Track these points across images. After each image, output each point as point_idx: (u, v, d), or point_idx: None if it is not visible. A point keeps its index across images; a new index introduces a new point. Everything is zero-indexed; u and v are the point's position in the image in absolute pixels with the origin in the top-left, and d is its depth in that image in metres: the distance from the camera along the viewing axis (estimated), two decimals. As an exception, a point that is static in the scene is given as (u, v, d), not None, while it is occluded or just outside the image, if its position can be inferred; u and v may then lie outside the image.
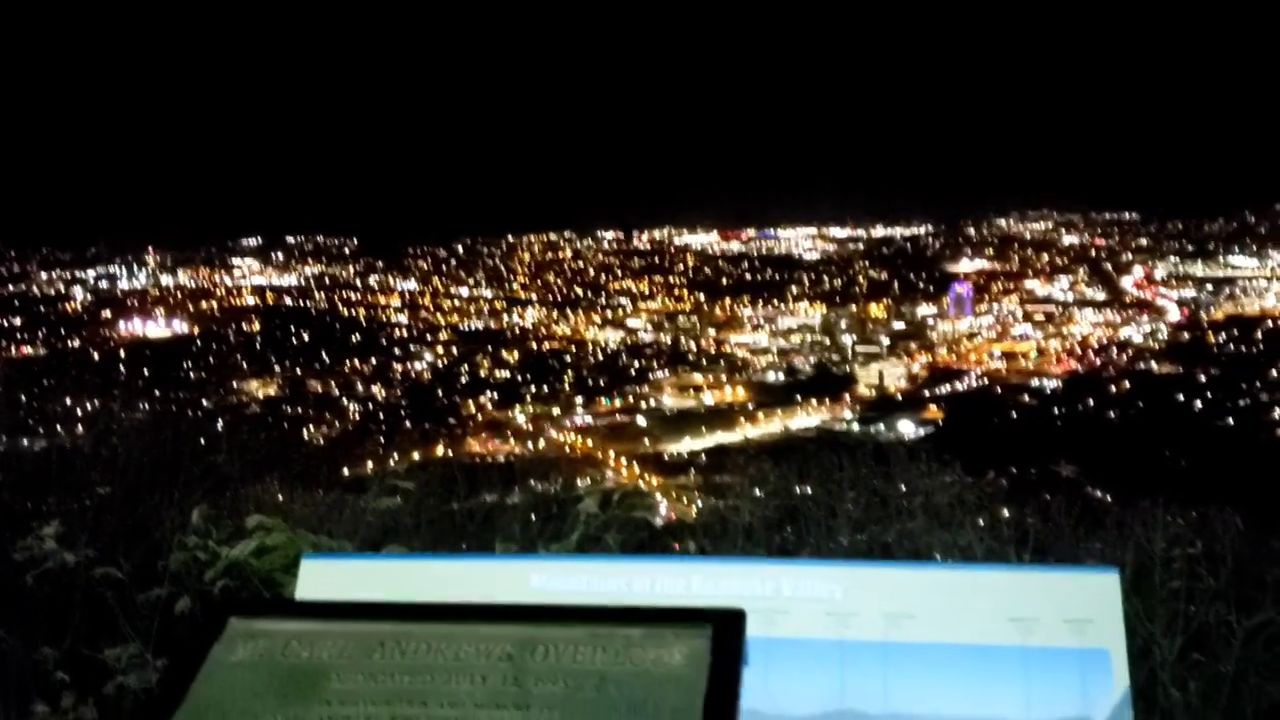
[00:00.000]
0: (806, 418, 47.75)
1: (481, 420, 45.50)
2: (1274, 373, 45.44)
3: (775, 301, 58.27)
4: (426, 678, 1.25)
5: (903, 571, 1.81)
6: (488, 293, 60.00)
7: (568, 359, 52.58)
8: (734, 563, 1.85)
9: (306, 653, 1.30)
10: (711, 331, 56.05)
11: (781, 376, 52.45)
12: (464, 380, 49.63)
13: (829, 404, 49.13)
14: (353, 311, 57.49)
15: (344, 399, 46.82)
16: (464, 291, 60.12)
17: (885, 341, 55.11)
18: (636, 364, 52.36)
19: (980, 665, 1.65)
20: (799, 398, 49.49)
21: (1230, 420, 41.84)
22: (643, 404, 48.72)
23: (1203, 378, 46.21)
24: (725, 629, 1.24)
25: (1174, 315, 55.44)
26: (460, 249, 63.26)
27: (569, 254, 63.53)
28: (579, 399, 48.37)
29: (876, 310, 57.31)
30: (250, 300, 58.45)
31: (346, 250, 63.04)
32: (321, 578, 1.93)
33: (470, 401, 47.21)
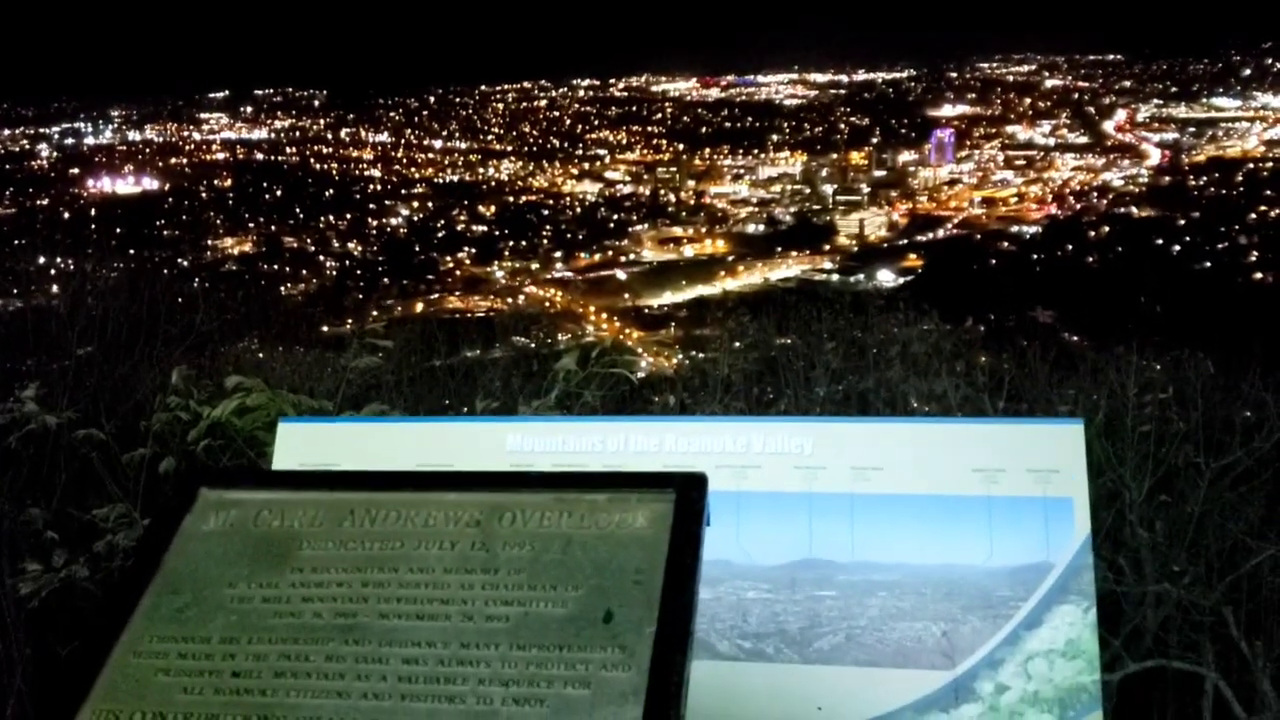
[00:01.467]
0: (787, 269, 47.76)
1: (460, 276, 45.30)
2: (1253, 216, 45.49)
3: (755, 150, 57.50)
4: (396, 544, 1.26)
5: (871, 425, 1.84)
6: (462, 145, 58.89)
7: (545, 212, 52.03)
8: (706, 420, 1.88)
9: (277, 521, 1.31)
10: (691, 182, 55.41)
11: (762, 227, 52.19)
12: (440, 235, 49.15)
13: (809, 254, 49.07)
14: (325, 166, 56.41)
15: (320, 255, 46.39)
16: (437, 144, 59.05)
17: (866, 190, 54.69)
18: (615, 217, 51.90)
19: (945, 515, 1.70)
20: (779, 249, 49.36)
21: (1208, 263, 42.06)
22: (622, 258, 48.53)
23: (1182, 221, 46.22)
24: (688, 492, 1.26)
25: (1155, 158, 55.08)
26: (432, 100, 61.83)
27: (544, 104, 62.16)
28: (557, 253, 48.12)
29: (857, 158, 56.66)
30: (220, 155, 57.19)
31: (316, 103, 61.45)
32: (299, 441, 1.93)
33: (448, 257, 46.89)
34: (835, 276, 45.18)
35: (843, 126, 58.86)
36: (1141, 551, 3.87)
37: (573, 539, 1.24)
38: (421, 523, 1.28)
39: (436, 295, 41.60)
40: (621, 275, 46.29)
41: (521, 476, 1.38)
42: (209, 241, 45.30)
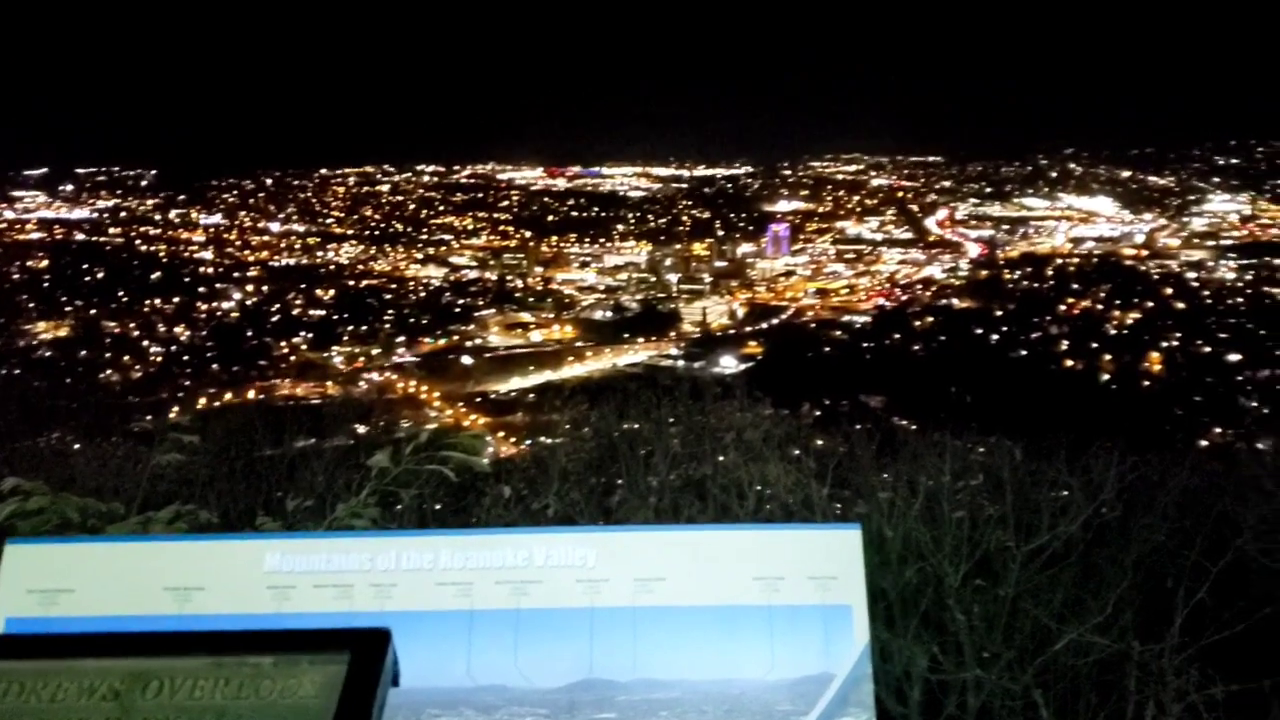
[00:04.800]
0: (633, 354, 48.26)
1: (295, 362, 43.81)
2: (1062, 307, 48.76)
3: (601, 239, 58.36)
4: None
5: (655, 534, 1.79)
6: (300, 227, 57.56)
7: (387, 297, 51.15)
8: (485, 533, 1.79)
9: None
10: (538, 269, 55.67)
11: (609, 314, 52.74)
12: (275, 320, 47.55)
13: (655, 341, 49.79)
14: (152, 247, 54.02)
15: (144, 341, 44.10)
16: (274, 227, 57.54)
17: (708, 279, 56.16)
18: (461, 302, 51.50)
19: (727, 626, 1.66)
20: (626, 335, 49.92)
21: (1023, 352, 44.68)
22: (468, 343, 48.04)
23: (998, 312, 49.12)
24: (365, 653, 1.13)
25: (973, 253, 58.65)
26: (269, 182, 60.37)
27: (387, 188, 61.61)
28: (400, 338, 47.23)
29: (699, 248, 58.22)
30: (36, 235, 54.08)
31: (144, 182, 59.11)
32: (27, 566, 1.73)
33: (282, 342, 45.33)
34: (680, 362, 45.90)
35: (685, 218, 60.54)
36: (960, 636, 3.94)
37: (227, 711, 1.08)
38: (49, 698, 1.09)
39: (268, 382, 40.05)
40: (467, 360, 45.77)
41: (176, 638, 1.20)
42: (20, 326, 42.50)
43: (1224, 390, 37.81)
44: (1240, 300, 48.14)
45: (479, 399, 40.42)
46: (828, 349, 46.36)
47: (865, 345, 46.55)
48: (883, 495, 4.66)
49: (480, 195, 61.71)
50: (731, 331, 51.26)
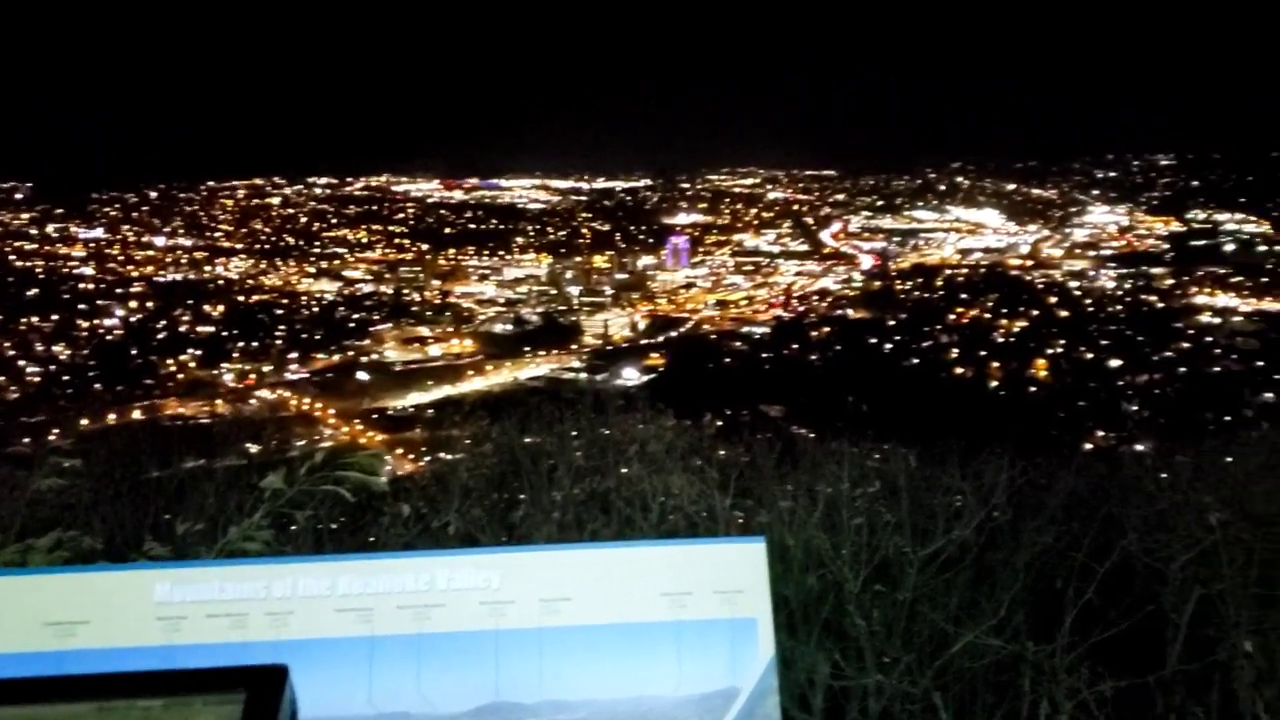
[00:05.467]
0: (535, 368, 48.02)
1: (182, 380, 42.37)
2: (951, 317, 50.26)
3: (501, 252, 58.00)
4: None
5: (560, 554, 1.77)
6: (187, 242, 55.80)
7: (279, 312, 49.89)
8: (384, 558, 1.74)
9: None
10: (436, 282, 55.01)
11: (509, 327, 52.40)
12: (161, 337, 45.92)
13: (557, 354, 49.64)
14: (29, 263, 51.70)
15: (20, 360, 42.11)
16: (159, 241, 55.64)
17: (609, 292, 56.30)
18: (356, 316, 50.54)
19: (634, 643, 1.65)
20: (527, 348, 49.65)
21: (915, 360, 45.90)
22: (364, 358, 47.15)
23: (891, 322, 50.37)
24: (261, 691, 1.09)
25: (867, 265, 60.08)
26: (154, 195, 58.38)
27: (277, 201, 60.17)
28: (293, 354, 46.08)
29: (600, 261, 58.34)
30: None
31: (19, 196, 56.59)
32: None
33: (169, 360, 43.79)
34: (583, 375, 45.86)
35: (585, 231, 60.64)
36: (861, 641, 4.01)
37: None
38: None
39: (154, 402, 38.67)
40: (363, 376, 44.92)
41: (58, 684, 1.12)
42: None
43: (1106, 395, 39.44)
44: (1119, 308, 50.31)
45: (376, 416, 39.70)
46: (728, 360, 46.89)
47: (764, 356, 47.22)
48: (784, 504, 4.72)
49: (375, 208, 60.78)
50: (633, 343, 51.45)
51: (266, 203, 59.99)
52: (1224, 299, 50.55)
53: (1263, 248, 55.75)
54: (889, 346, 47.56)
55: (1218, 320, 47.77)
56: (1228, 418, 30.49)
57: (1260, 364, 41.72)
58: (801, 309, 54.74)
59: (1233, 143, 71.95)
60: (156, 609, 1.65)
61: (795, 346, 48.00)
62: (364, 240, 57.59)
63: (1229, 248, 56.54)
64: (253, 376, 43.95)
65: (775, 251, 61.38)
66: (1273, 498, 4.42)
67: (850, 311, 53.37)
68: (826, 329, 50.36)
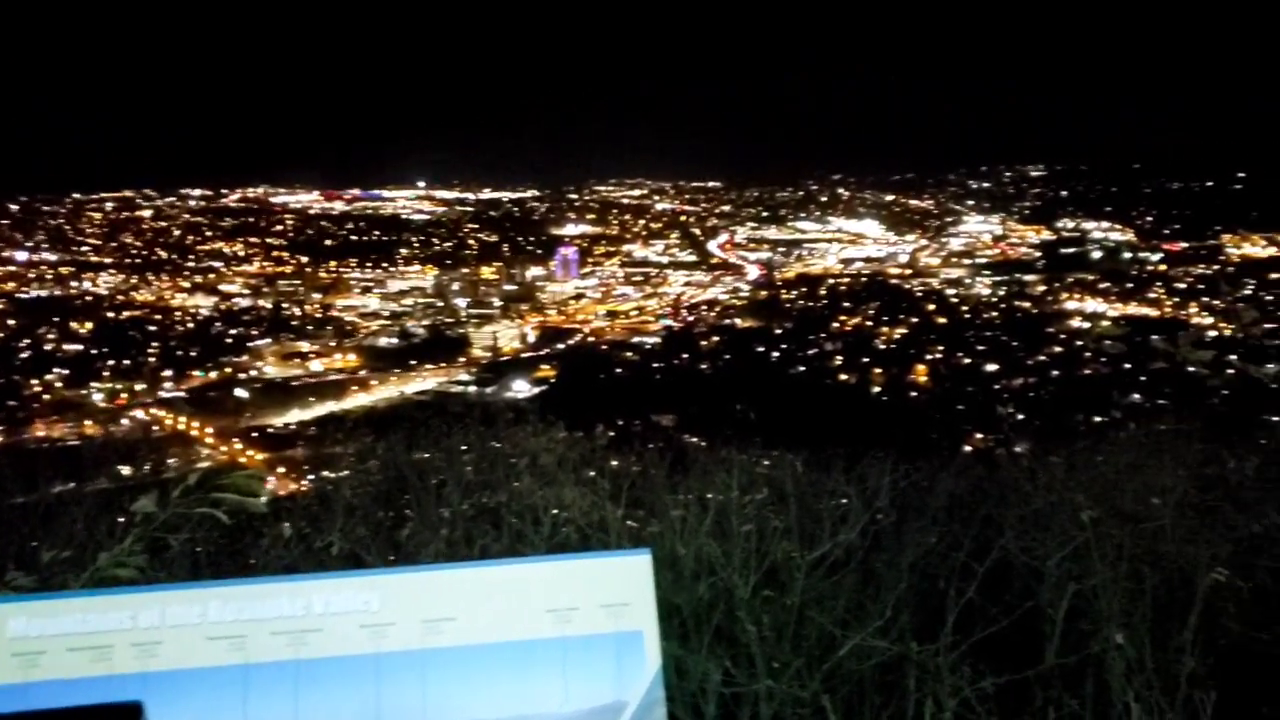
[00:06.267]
0: (422, 382, 47.35)
1: (49, 400, 40.43)
2: (835, 325, 51.45)
3: (384, 264, 57.06)
4: None
5: (442, 573, 1.74)
6: (52, 257, 53.34)
7: (152, 329, 48.04)
8: (259, 583, 1.67)
9: None
10: (316, 295, 53.80)
11: (394, 341, 51.57)
12: (25, 356, 43.72)
13: (444, 367, 49.03)
14: None
15: None
16: (20, 256, 53.05)
17: (498, 303, 55.88)
18: (233, 332, 49.03)
19: (519, 661, 1.63)
20: (413, 362, 48.91)
21: (801, 368, 46.82)
22: (242, 375, 45.76)
23: (778, 331, 51.30)
24: None
25: (753, 275, 61.11)
26: (14, 209, 55.71)
27: (149, 214, 58.02)
28: (167, 372, 44.40)
29: (488, 272, 57.89)
30: None
31: None
32: None
33: (34, 380, 41.71)
34: (471, 388, 45.42)
35: (472, 242, 60.12)
36: (752, 648, 4.03)
37: None
38: None
39: (19, 423, 36.83)
40: (241, 394, 43.59)
41: None
42: None
43: (983, 399, 40.86)
44: (995, 314, 52.25)
45: (256, 434, 38.55)
46: (619, 370, 47.02)
47: (655, 366, 47.52)
48: (675, 513, 4.72)
49: (252, 219, 59.13)
50: (524, 355, 51.18)
51: (137, 215, 57.83)
52: (1093, 304, 53.00)
53: (1128, 255, 58.67)
54: (776, 355, 48.39)
55: (1087, 325, 50.03)
56: (1098, 419, 31.90)
57: (1127, 367, 43.84)
58: (691, 319, 55.30)
59: (1099, 154, 75.65)
60: (11, 644, 1.55)
61: (685, 356, 48.45)
62: (241, 253, 55.97)
63: (1097, 255, 59.35)
64: (124, 396, 42.21)
65: (664, 262, 61.92)
66: (1141, 495, 4.61)
67: (738, 321, 54.16)
68: (716, 338, 50.98)
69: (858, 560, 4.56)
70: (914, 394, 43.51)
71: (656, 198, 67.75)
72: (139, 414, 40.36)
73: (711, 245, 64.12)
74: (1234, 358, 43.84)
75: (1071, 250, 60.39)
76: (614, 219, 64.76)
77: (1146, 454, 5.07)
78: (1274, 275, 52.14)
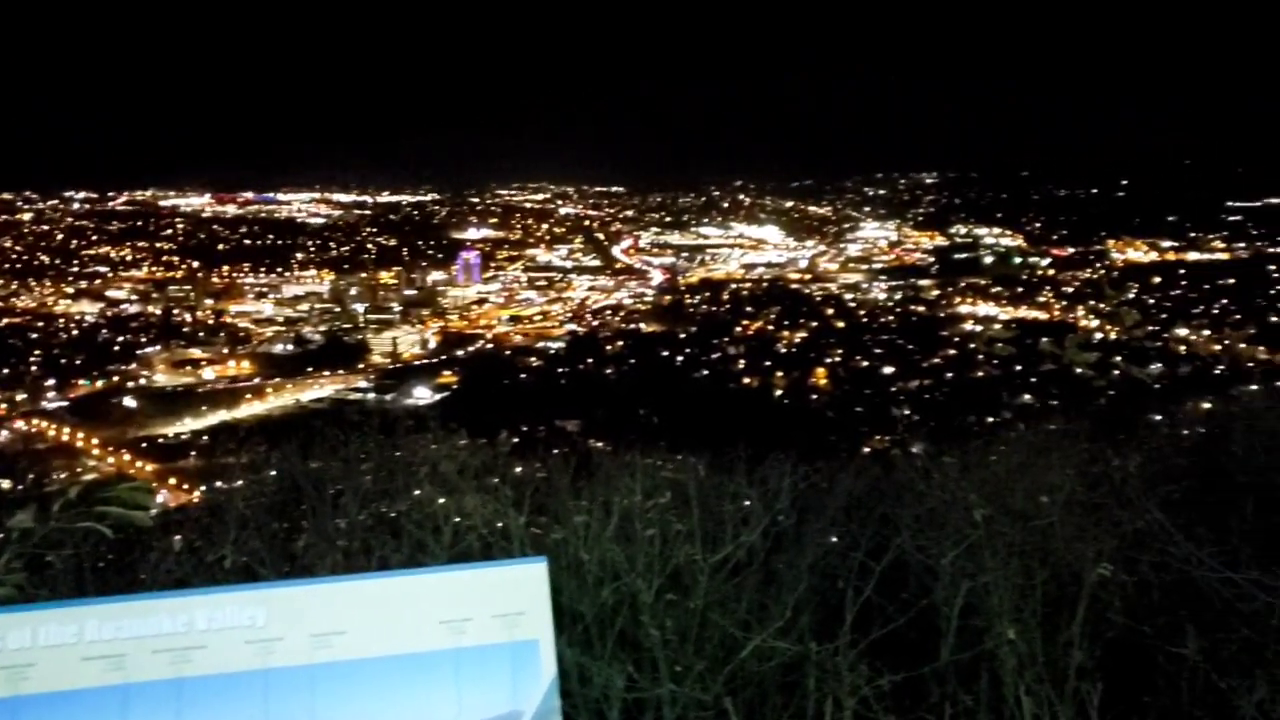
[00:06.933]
0: (319, 389, 46.39)
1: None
2: (738, 329, 52.07)
3: (279, 269, 55.78)
4: None
5: (331, 586, 1.71)
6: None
7: (33, 336, 46.06)
8: (139, 599, 1.62)
9: None
10: (209, 301, 52.30)
11: (290, 347, 50.43)
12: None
13: (343, 373, 48.12)
14: None
15: None
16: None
17: (398, 308, 55.08)
18: (121, 339, 47.31)
19: (412, 674, 1.62)
20: (310, 369, 47.89)
21: (705, 372, 47.24)
22: (130, 383, 44.18)
23: (683, 335, 51.70)
24: None
25: (657, 279, 61.49)
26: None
27: (29, 217, 55.67)
28: (50, 381, 42.59)
29: (387, 277, 57.02)
30: None
31: None
32: None
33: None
34: (371, 395, 44.69)
35: (370, 246, 59.15)
36: (655, 652, 4.03)
37: None
38: None
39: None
40: (130, 403, 42.09)
41: None
42: None
43: (881, 400, 41.80)
44: (891, 318, 53.54)
45: (146, 444, 37.26)
46: (523, 375, 46.77)
47: (560, 370, 47.40)
48: (579, 519, 4.69)
49: (140, 223, 57.18)
50: (424, 361, 50.52)
51: (17, 219, 55.42)
52: (984, 308, 54.70)
53: (1018, 260, 60.73)
54: (680, 359, 48.74)
55: (979, 328, 51.60)
56: (990, 419, 32.90)
57: (1018, 368, 45.34)
58: (596, 323, 55.34)
59: (989, 161, 78.21)
60: None
61: (590, 361, 48.44)
62: (129, 258, 54.07)
63: (988, 260, 61.30)
64: (3, 406, 40.37)
65: (568, 267, 61.86)
66: (1031, 494, 4.76)
67: (643, 325, 54.40)
68: (620, 343, 51.11)
69: (759, 561, 4.60)
70: (814, 396, 44.28)
71: (560, 202, 67.69)
72: (21, 425, 38.65)
73: (616, 250, 64.31)
74: (1118, 359, 45.71)
75: (964, 255, 62.28)
76: (517, 223, 64.47)
77: (1036, 453, 5.22)
78: (1156, 279, 54.59)
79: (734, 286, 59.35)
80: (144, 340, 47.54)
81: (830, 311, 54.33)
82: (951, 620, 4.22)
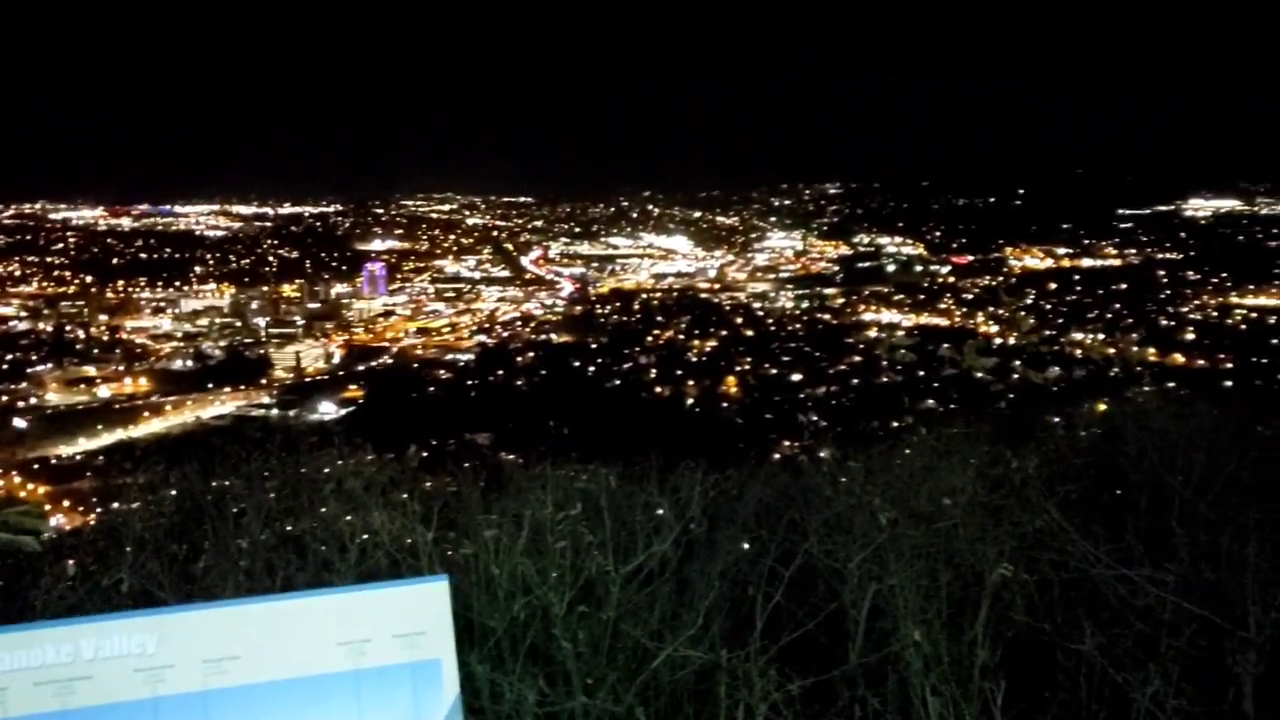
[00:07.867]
0: (220, 405, 45.16)
1: None
2: (649, 338, 52.29)
3: (177, 283, 54.22)
4: None
5: (225, 611, 1.65)
6: None
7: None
8: (19, 630, 1.55)
9: None
10: (103, 317, 50.54)
11: (189, 363, 49.01)
12: None
13: (245, 389, 46.93)
14: None
15: None
16: None
17: (301, 322, 53.97)
18: (10, 357, 45.45)
19: (310, 697, 1.58)
20: (210, 385, 46.60)
21: (617, 381, 47.30)
22: (20, 403, 42.44)
23: (594, 345, 51.70)
24: None
25: (568, 290, 61.38)
26: None
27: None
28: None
29: (289, 290, 55.85)
30: None
31: None
32: None
33: None
34: (274, 411, 43.70)
35: (272, 259, 57.87)
36: (568, 665, 4.00)
37: None
38: None
39: None
40: (20, 423, 40.45)
41: None
42: None
43: (789, 407, 42.35)
44: (798, 326, 54.37)
45: (37, 466, 35.81)
46: (432, 388, 46.17)
47: (470, 383, 46.94)
48: (489, 533, 4.64)
49: (28, 237, 55.02)
50: (329, 375, 49.56)
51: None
52: (887, 315, 55.91)
53: (919, 268, 62.27)
54: (592, 369, 48.71)
55: (882, 335, 52.72)
56: (894, 423, 33.57)
57: (920, 373, 46.44)
58: (506, 335, 54.98)
59: (891, 172, 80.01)
60: None
61: (501, 372, 48.08)
62: (17, 273, 51.96)
63: (890, 268, 62.72)
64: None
65: (477, 278, 61.35)
66: (934, 496, 4.86)
67: (554, 336, 54.23)
68: (531, 354, 50.86)
69: (671, 570, 4.60)
70: (724, 404, 44.65)
71: (467, 212, 67.16)
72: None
73: (525, 260, 64.02)
74: (1017, 363, 47.13)
75: (867, 264, 63.61)
76: (423, 234, 63.74)
77: (938, 456, 5.33)
78: (1052, 285, 56.48)
79: (644, 296, 59.60)
80: (35, 358, 45.73)
81: (739, 320, 54.93)
82: (859, 623, 4.28)
